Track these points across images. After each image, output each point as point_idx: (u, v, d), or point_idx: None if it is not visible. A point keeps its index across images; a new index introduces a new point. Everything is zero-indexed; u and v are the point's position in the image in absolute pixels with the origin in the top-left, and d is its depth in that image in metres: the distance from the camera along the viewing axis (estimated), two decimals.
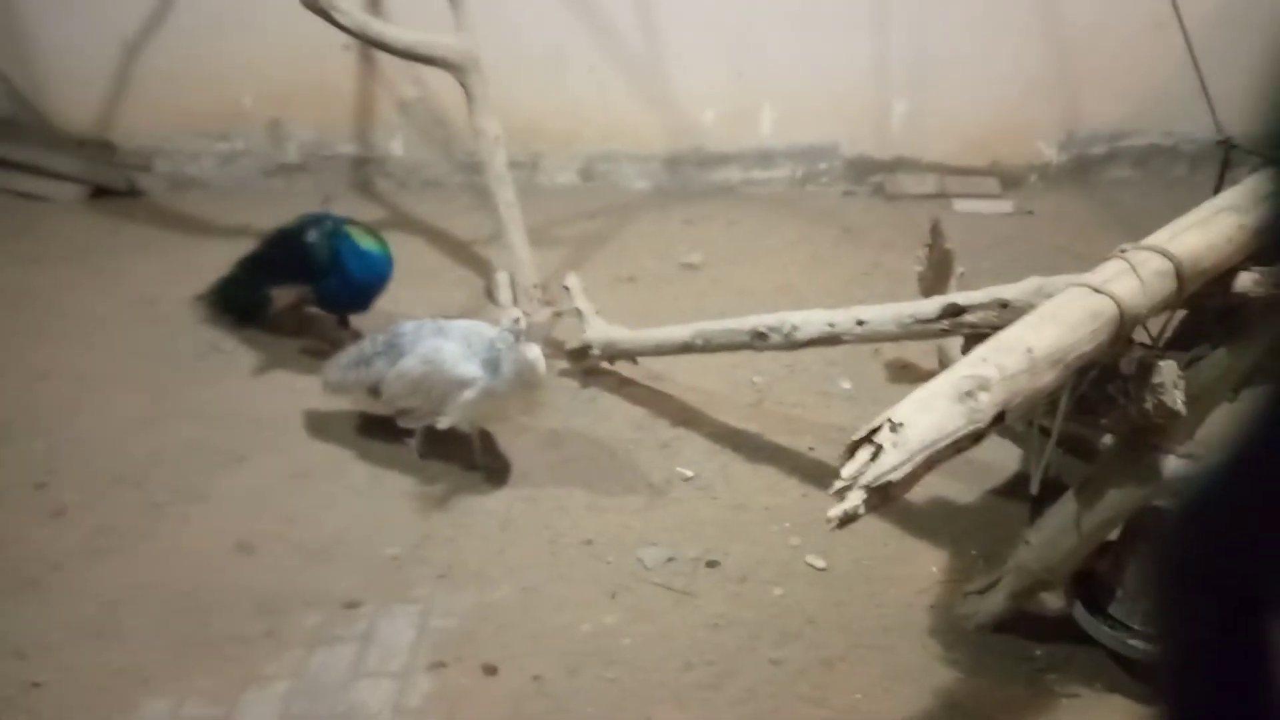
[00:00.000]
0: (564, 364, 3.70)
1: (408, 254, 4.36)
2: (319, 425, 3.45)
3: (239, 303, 3.93)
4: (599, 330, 3.58)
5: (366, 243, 3.64)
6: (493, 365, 2.96)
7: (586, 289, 3.76)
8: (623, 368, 3.67)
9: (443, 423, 3.09)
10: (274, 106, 5.21)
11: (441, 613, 2.70)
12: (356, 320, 3.86)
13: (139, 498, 3.08)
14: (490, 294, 4.18)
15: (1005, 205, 5.07)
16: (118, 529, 2.95)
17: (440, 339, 3.05)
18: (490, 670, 2.52)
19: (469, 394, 2.99)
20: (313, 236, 3.66)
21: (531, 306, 3.94)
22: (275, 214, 4.06)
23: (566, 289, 3.73)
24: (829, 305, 3.02)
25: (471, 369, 2.97)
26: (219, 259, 4.05)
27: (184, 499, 3.08)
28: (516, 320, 2.92)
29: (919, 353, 3.69)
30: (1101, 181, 5.34)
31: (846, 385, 3.67)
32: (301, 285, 3.81)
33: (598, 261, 4.58)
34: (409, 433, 3.25)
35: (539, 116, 5.09)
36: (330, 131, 5.28)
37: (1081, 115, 5.22)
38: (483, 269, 4.43)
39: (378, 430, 3.39)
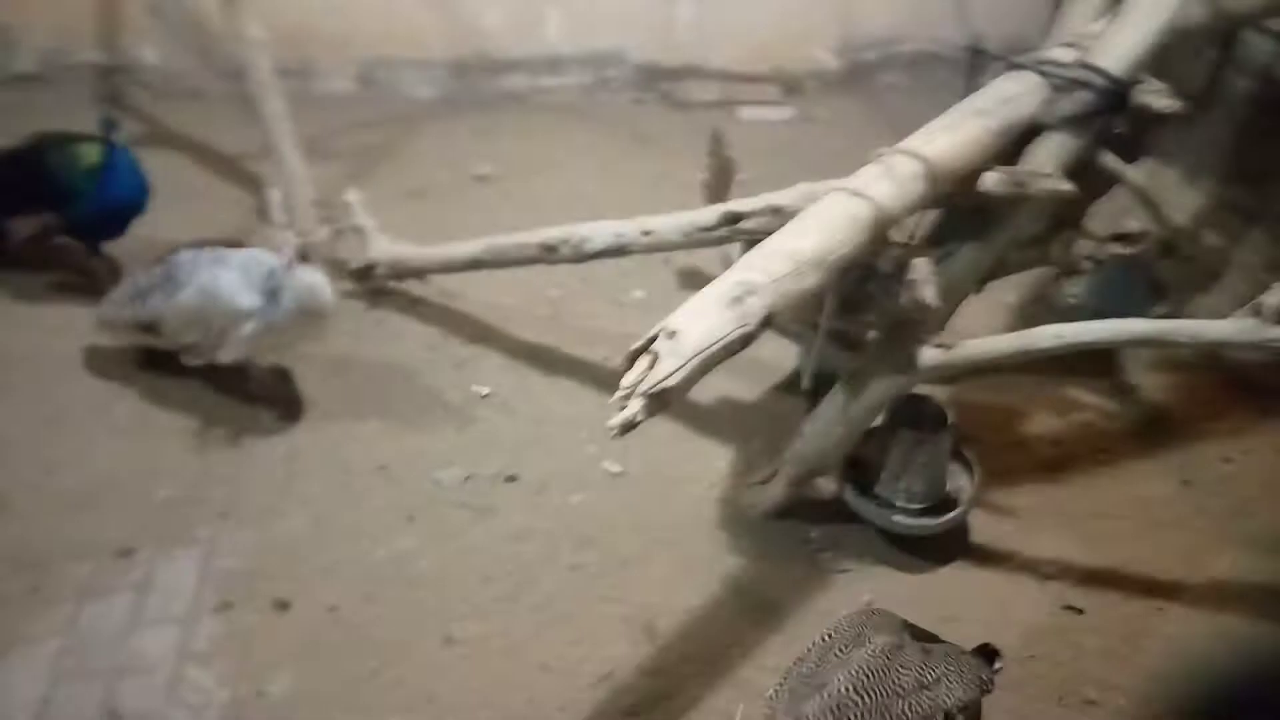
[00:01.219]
0: (349, 285, 3.54)
1: (169, 172, 4.00)
2: (75, 364, 3.17)
3: None
4: (383, 248, 3.45)
5: (128, 162, 3.30)
6: (273, 295, 2.79)
7: (369, 205, 3.59)
8: (412, 286, 3.56)
9: (224, 356, 2.90)
10: (2, 10, 4.59)
11: (226, 552, 2.58)
12: (112, 247, 3.53)
13: None
14: (264, 213, 3.92)
15: (787, 112, 5.22)
16: None
17: (218, 268, 2.85)
18: (282, 605, 2.45)
19: (248, 326, 2.81)
20: (54, 158, 3.29)
21: (310, 225, 3.73)
22: (9, 130, 3.61)
23: (347, 205, 3.55)
24: (622, 215, 3.03)
25: (250, 299, 2.79)
26: None
27: None
28: (293, 244, 2.79)
29: (708, 259, 3.78)
30: (876, 87, 5.58)
31: (640, 294, 3.72)
32: (44, 213, 3.44)
33: (381, 175, 4.38)
34: (197, 370, 3.03)
35: (309, 18, 4.74)
36: (70, 37, 4.73)
37: (856, 22, 5.39)
38: (254, 186, 4.14)
39: (141, 364, 3.15)
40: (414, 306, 3.53)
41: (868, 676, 1.82)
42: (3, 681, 2.24)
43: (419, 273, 3.47)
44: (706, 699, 2.28)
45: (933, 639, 1.98)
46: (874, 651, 1.87)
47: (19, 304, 3.42)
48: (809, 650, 1.94)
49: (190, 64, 4.85)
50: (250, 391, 3.05)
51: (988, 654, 2.02)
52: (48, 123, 3.59)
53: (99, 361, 3.18)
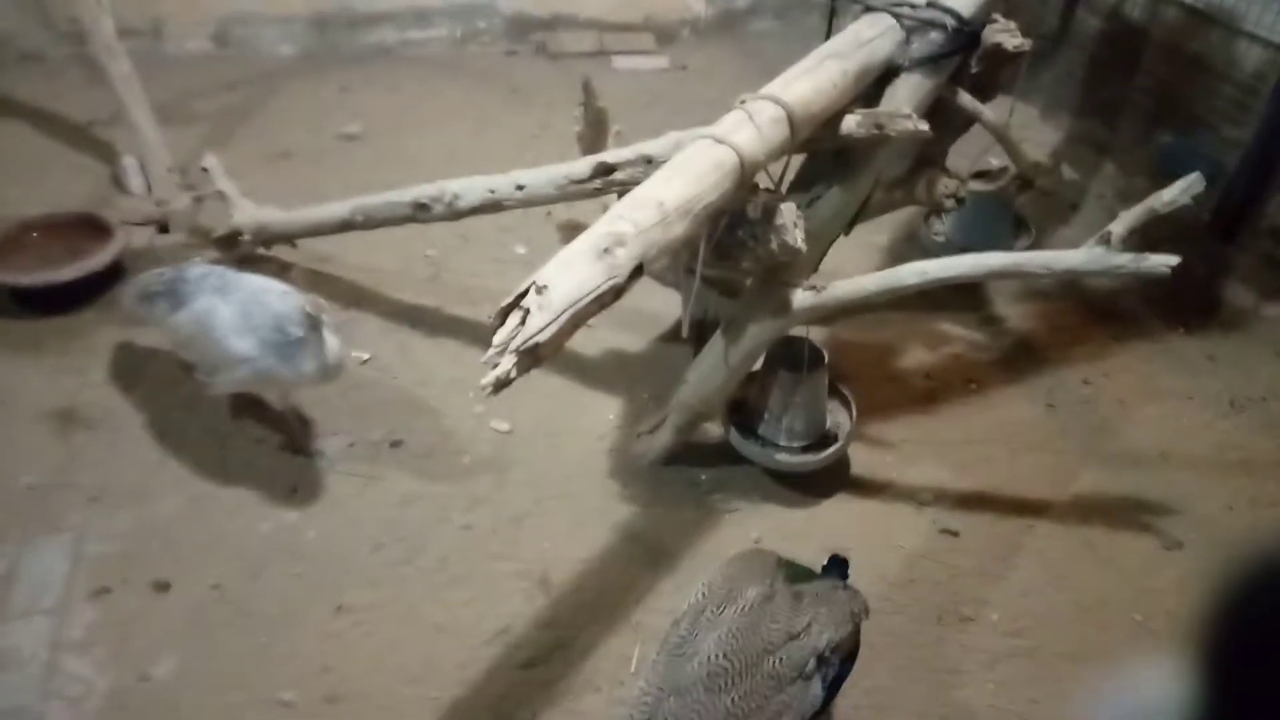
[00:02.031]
0: (213, 254, 3.40)
1: (11, 142, 3.77)
2: None
3: None
4: (248, 213, 3.32)
5: None
6: (278, 349, 2.48)
7: (232, 169, 3.44)
8: (282, 252, 3.44)
9: (211, 390, 2.67)
10: None
11: (98, 537, 2.48)
12: None
13: None
14: (119, 181, 3.72)
15: (661, 61, 5.20)
16: None
17: (218, 299, 2.57)
18: (162, 587, 2.38)
19: (240, 373, 2.54)
20: None
21: (169, 193, 3.56)
22: None
23: (205, 171, 3.39)
24: (499, 170, 2.97)
25: (244, 345, 2.50)
26: None
27: None
28: (315, 305, 2.47)
29: (589, 212, 3.76)
30: (747, 34, 5.60)
31: (521, 250, 3.68)
32: None
33: (244, 138, 4.20)
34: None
35: None
36: None
37: None
38: (107, 154, 3.91)
39: None
40: (285, 274, 3.41)
41: (736, 638, 1.82)
42: None
43: (288, 238, 3.35)
44: (603, 645, 2.32)
45: (809, 575, 2.02)
46: (744, 609, 1.86)
47: None
48: (683, 615, 1.92)
49: (25, 25, 4.52)
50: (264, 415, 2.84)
51: (839, 563, 2.07)
52: None
53: None
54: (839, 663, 1.88)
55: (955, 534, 2.67)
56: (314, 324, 2.46)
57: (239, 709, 2.14)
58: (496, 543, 2.56)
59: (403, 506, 2.64)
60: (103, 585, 2.36)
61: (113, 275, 3.24)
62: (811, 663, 1.81)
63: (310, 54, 4.94)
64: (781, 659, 1.80)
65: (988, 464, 2.89)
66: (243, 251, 3.37)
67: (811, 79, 2.24)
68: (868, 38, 2.47)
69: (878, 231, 3.73)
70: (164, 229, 3.51)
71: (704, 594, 1.93)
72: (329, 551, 2.50)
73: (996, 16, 2.82)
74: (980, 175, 3.59)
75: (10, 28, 4.52)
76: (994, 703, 2.26)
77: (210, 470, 2.69)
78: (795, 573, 1.99)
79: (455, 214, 2.97)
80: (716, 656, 1.80)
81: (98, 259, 3.18)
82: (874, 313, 3.29)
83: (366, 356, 3.12)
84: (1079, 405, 3.14)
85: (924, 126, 2.37)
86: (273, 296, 2.56)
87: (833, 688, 1.88)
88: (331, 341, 2.53)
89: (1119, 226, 2.30)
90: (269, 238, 3.33)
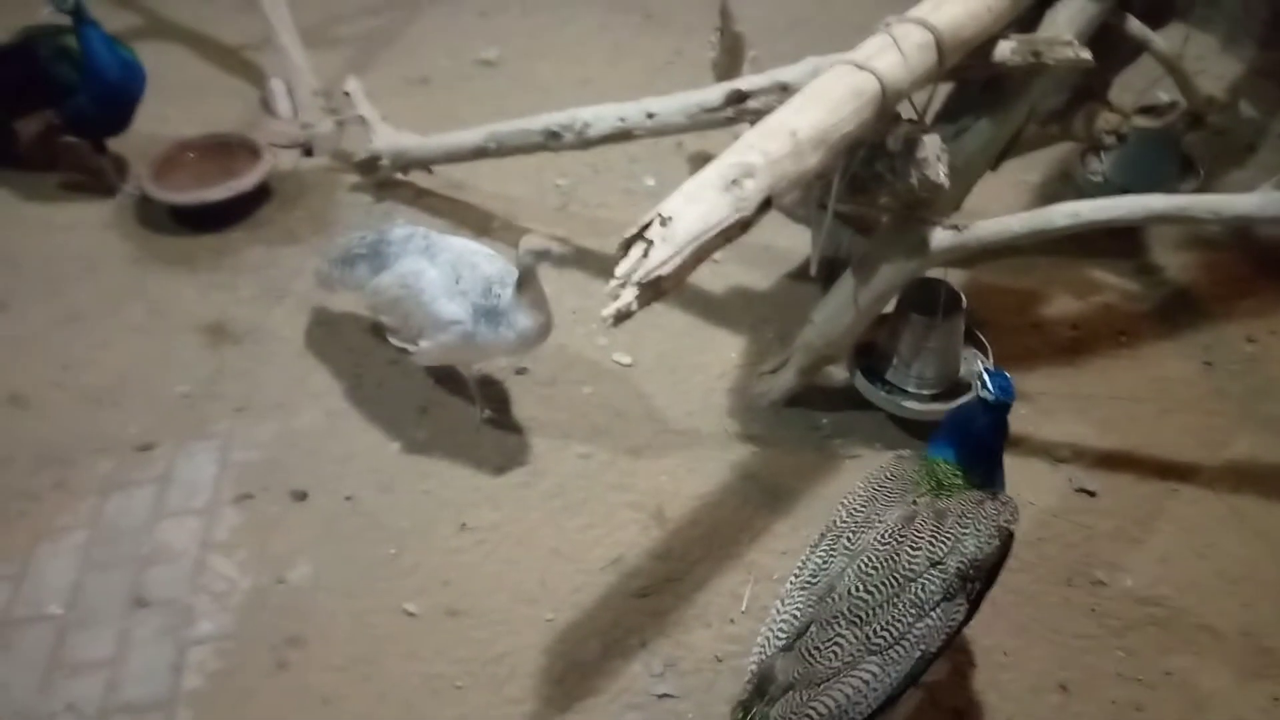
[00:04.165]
0: (354, 178, 3.50)
1: (169, 65, 3.94)
2: (87, 262, 3.18)
3: None
4: (387, 138, 3.38)
5: (106, 42, 3.21)
6: (487, 314, 2.42)
7: (372, 94, 3.51)
8: (419, 178, 3.51)
9: (418, 359, 2.60)
10: None
11: (243, 445, 2.63)
12: (117, 143, 3.49)
13: None
14: (267, 104, 3.86)
15: None
16: None
17: (424, 260, 2.52)
18: (300, 496, 2.51)
19: (446, 337, 2.46)
20: (43, 51, 3.23)
21: (314, 117, 3.67)
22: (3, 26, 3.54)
23: (347, 95, 3.47)
24: (632, 98, 2.93)
25: (451, 309, 2.43)
26: None
27: None
28: (542, 250, 2.31)
29: (721, 143, 3.67)
30: None
31: (650, 182, 3.64)
32: (43, 110, 3.40)
33: (384, 62, 4.27)
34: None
35: None
36: None
37: None
38: (256, 77, 4.05)
39: (152, 261, 3.16)
40: (421, 199, 3.48)
41: (877, 569, 1.75)
42: (35, 570, 2.33)
43: (424, 163, 3.41)
44: (715, 581, 2.32)
45: (956, 485, 1.87)
46: (883, 535, 1.79)
47: (30, 204, 3.42)
48: (820, 538, 1.86)
49: None
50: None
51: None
52: (36, 18, 3.50)
53: (110, 259, 3.19)
54: (983, 580, 1.81)
55: (1092, 494, 2.53)
56: (530, 274, 2.33)
57: (366, 615, 2.26)
58: (614, 473, 2.58)
59: (525, 432, 2.69)
60: (246, 491, 2.51)
61: (260, 196, 3.38)
62: (955, 583, 1.75)
63: None
64: (924, 586, 1.75)
65: (1133, 422, 2.72)
66: (381, 176, 3.45)
67: (964, 1, 2.10)
68: None
69: (1028, 169, 3.51)
70: (308, 152, 3.63)
71: (842, 517, 1.88)
72: (453, 471, 2.58)
73: None
74: (1146, 110, 3.31)
75: None
76: (1122, 671, 2.16)
77: (346, 387, 2.80)
78: (940, 483, 1.88)
79: (585, 143, 2.95)
80: (857, 589, 1.75)
81: (246, 180, 3.32)
82: (1019, 256, 3.11)
83: None
84: (1240, 364, 2.91)
85: (1086, 55, 2.18)
86: (480, 259, 2.51)
87: (975, 603, 1.81)
88: (539, 304, 2.41)
89: None
90: (406, 163, 3.39)
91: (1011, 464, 2.57)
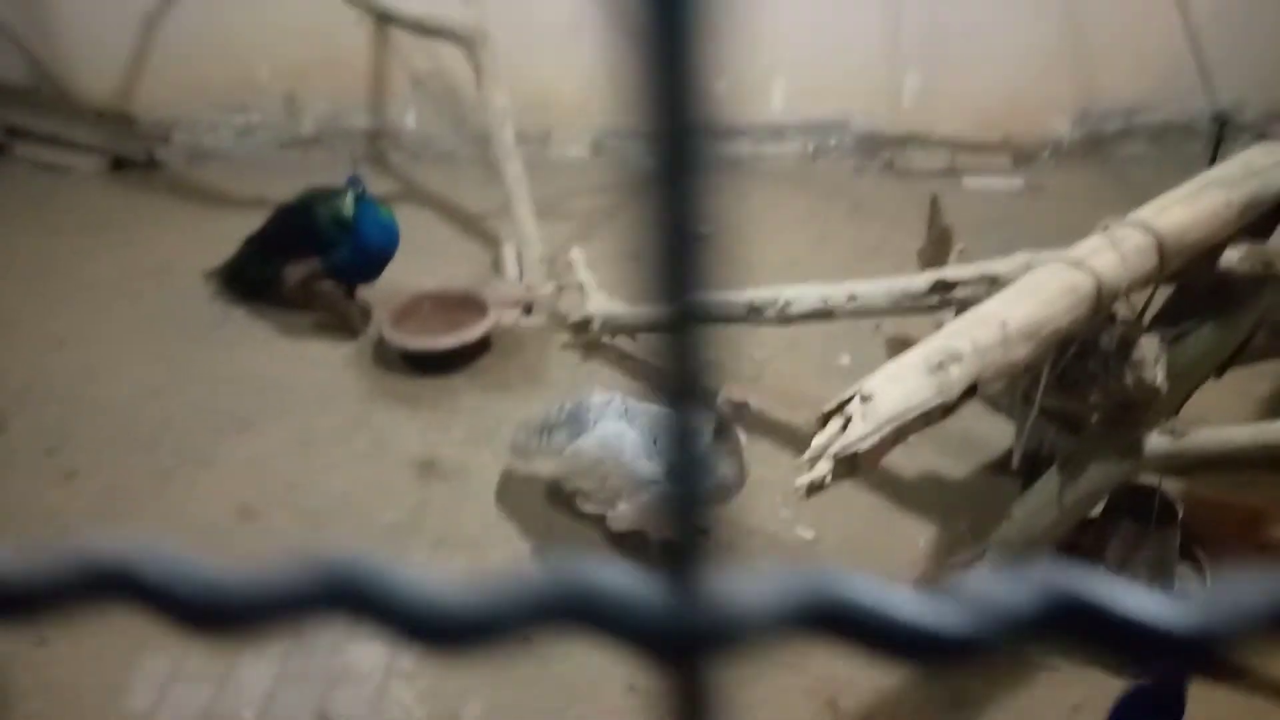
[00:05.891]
0: (566, 337, 3.74)
1: (418, 227, 4.41)
2: (326, 394, 3.52)
3: (250, 280, 4.00)
4: (600, 304, 3.62)
5: (374, 212, 3.69)
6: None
7: (591, 263, 3.79)
8: (623, 342, 3.70)
9: (614, 523, 2.66)
10: (290, 80, 5.25)
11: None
12: (366, 291, 3.92)
13: (148, 462, 3.17)
14: (498, 266, 4.23)
15: (1016, 182, 5.03)
16: (126, 493, 3.04)
17: (624, 423, 2.63)
18: None
19: (645, 495, 2.54)
20: (320, 210, 3.72)
21: (538, 280, 3.98)
22: (291, 186, 4.10)
23: (571, 262, 3.76)
24: (835, 280, 3.02)
25: (653, 469, 2.53)
26: (235, 230, 4.10)
27: (191, 464, 3.17)
28: (741, 403, 2.45)
29: (920, 329, 3.69)
30: (1115, 158, 5.27)
31: (845, 361, 3.68)
32: (311, 259, 3.89)
33: (605, 236, 4.60)
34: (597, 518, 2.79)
35: (550, 90, 5.10)
36: (345, 104, 5.31)
37: (1096, 91, 5.14)
38: (491, 242, 4.47)
39: (381, 398, 3.46)
40: (623, 361, 3.67)
41: None
42: (237, 674, 2.50)
43: (630, 329, 3.60)
44: None
45: None
46: None
47: (285, 338, 3.85)
48: None
49: (444, 129, 5.33)
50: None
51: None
52: (321, 180, 4.07)
53: (346, 393, 3.52)
54: None
55: None
56: (727, 424, 2.41)
57: None
58: (787, 653, 2.51)
59: None
60: None
61: (482, 347, 3.67)
62: None
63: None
64: None
65: None
66: (591, 338, 3.67)
67: (1189, 207, 2.08)
68: (1261, 166, 2.25)
69: (1258, 379, 3.29)
70: (528, 311, 3.93)
71: None
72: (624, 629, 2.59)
73: None
74: None
75: (432, 132, 5.35)
76: None
77: (535, 530, 2.91)
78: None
79: (785, 319, 3.05)
80: None
81: (471, 332, 3.63)
82: (1241, 471, 2.89)
83: None
84: None
85: None
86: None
87: None
88: (736, 453, 2.45)
89: None
90: (614, 328, 3.60)
91: (1229, 698, 2.34)
